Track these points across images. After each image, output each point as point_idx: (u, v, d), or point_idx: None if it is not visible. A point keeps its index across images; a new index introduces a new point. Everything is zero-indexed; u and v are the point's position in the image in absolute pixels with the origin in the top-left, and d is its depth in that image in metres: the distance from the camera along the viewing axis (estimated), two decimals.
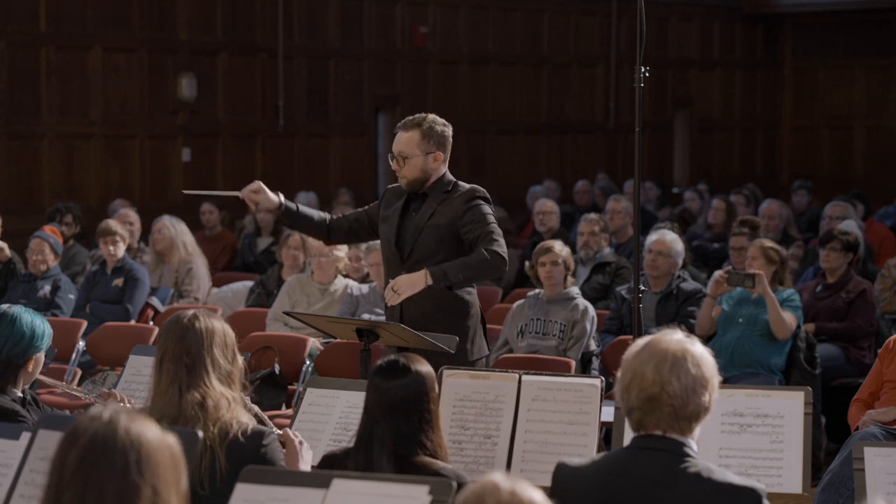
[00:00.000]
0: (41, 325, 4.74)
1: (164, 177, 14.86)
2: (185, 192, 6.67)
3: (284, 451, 4.20)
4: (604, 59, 18.77)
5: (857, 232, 9.21)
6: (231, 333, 4.15)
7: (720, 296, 7.85)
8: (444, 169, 5.86)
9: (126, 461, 2.63)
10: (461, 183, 5.88)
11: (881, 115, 20.15)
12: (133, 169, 14.64)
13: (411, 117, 5.85)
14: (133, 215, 11.09)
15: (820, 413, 7.72)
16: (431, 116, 5.84)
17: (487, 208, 5.80)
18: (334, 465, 4.01)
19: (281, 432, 4.24)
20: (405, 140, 5.79)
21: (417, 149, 5.77)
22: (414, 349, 5.25)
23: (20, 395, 4.72)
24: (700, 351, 3.48)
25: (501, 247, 5.69)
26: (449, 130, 5.85)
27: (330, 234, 6.13)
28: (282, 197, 5.97)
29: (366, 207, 6.15)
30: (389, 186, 6.06)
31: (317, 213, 6.12)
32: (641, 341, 3.50)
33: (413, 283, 5.64)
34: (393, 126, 17.72)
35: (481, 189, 5.86)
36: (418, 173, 5.80)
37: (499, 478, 2.69)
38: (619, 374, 3.51)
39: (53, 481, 2.67)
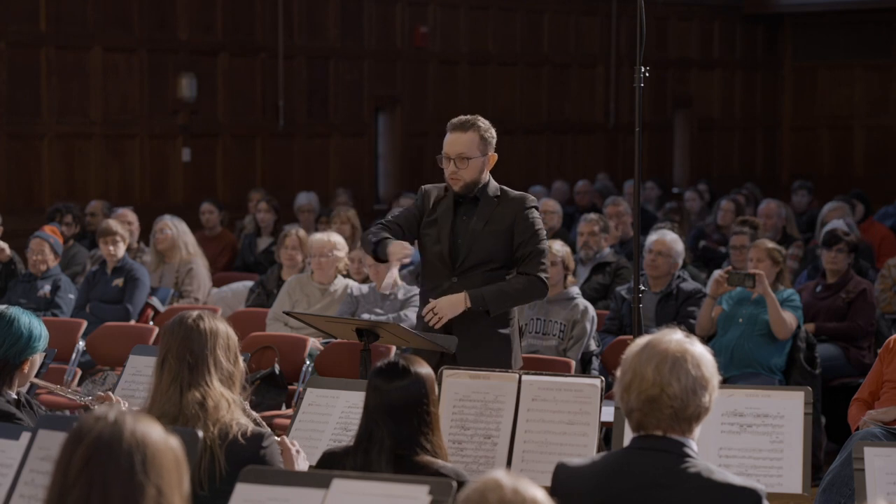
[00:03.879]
0: (38, 327, 4.75)
1: (164, 177, 14.86)
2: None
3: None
4: (604, 59, 18.77)
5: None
6: (234, 336, 4.16)
7: (720, 296, 7.85)
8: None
9: (131, 461, 2.64)
10: (507, 189, 5.86)
11: (881, 115, 20.15)
12: (133, 169, 14.64)
13: (464, 119, 5.78)
14: (131, 215, 11.09)
15: (820, 413, 7.72)
16: (481, 119, 5.80)
17: (540, 221, 5.79)
18: (334, 462, 4.01)
19: (278, 440, 4.23)
20: (465, 141, 5.72)
21: (478, 150, 5.72)
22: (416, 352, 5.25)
23: (15, 396, 4.72)
24: (699, 351, 3.47)
25: (545, 271, 5.69)
26: (495, 133, 5.83)
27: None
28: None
29: (409, 209, 5.94)
30: (425, 187, 5.92)
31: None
32: (641, 341, 3.49)
33: (454, 305, 5.55)
34: (393, 126, 17.69)
35: (533, 198, 5.85)
36: (477, 175, 5.74)
37: (501, 475, 2.69)
38: (618, 374, 3.50)
39: (58, 481, 2.67)
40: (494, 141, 5.81)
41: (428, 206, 5.85)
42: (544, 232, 5.80)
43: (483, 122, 5.78)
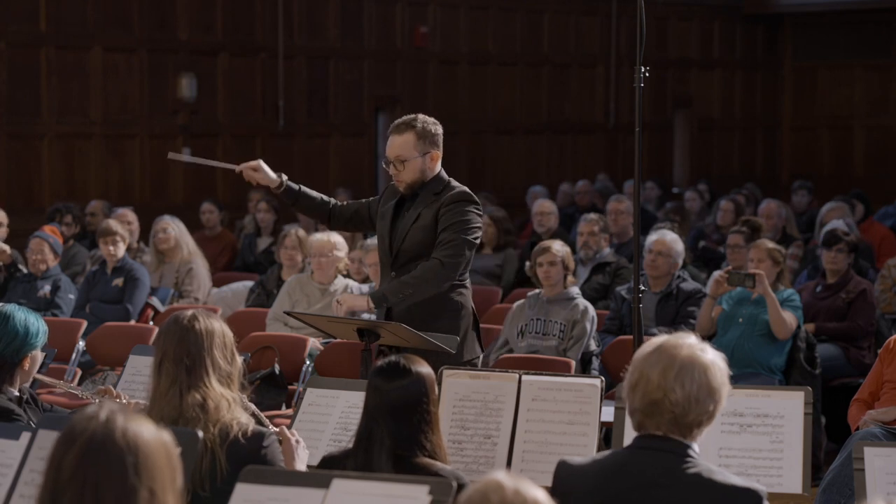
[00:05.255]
0: (35, 323, 4.72)
1: (164, 177, 14.86)
2: (171, 156, 6.36)
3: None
4: (604, 59, 18.77)
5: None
6: (230, 334, 4.14)
7: (720, 296, 7.85)
8: (439, 167, 5.80)
9: (123, 464, 2.63)
10: (455, 184, 5.79)
11: (881, 115, 20.15)
12: (133, 169, 14.64)
13: (401, 120, 5.76)
14: (131, 215, 11.09)
15: (820, 413, 7.72)
16: (422, 116, 5.76)
17: (469, 213, 5.68)
18: (333, 466, 4.01)
19: (278, 430, 4.23)
20: (401, 143, 5.70)
21: (414, 150, 5.68)
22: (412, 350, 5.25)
23: (17, 394, 4.71)
24: (710, 359, 3.46)
25: (452, 257, 5.61)
26: (440, 128, 5.78)
27: (331, 218, 6.07)
28: (284, 177, 5.91)
29: (368, 199, 6.11)
30: (390, 183, 5.97)
31: (319, 196, 6.02)
32: (655, 342, 3.50)
33: (356, 299, 5.75)
34: None
35: (469, 193, 5.76)
36: (417, 175, 5.71)
37: (502, 476, 2.69)
38: (628, 371, 3.51)
39: (50, 483, 2.66)
40: (438, 138, 5.75)
41: (383, 200, 5.93)
42: (471, 224, 5.68)
43: (421, 122, 5.72)
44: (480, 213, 5.78)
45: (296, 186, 5.97)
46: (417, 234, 5.71)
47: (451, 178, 5.83)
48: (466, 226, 5.67)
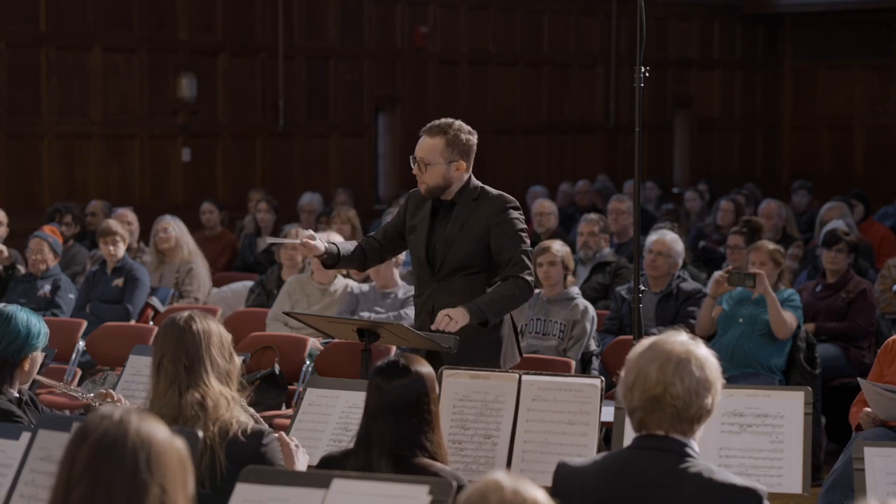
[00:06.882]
0: (37, 324, 4.72)
1: (164, 177, 14.86)
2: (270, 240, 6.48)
3: None
4: (604, 59, 18.77)
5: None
6: (227, 334, 4.16)
7: (720, 296, 7.85)
8: (468, 176, 5.72)
9: (136, 460, 2.65)
10: (488, 188, 5.75)
11: (881, 115, 20.15)
12: (133, 169, 14.64)
13: (438, 122, 5.70)
14: (131, 215, 11.10)
15: (820, 413, 7.72)
16: (458, 123, 5.69)
17: (519, 221, 5.67)
18: (333, 467, 4.00)
19: (277, 435, 4.23)
20: (428, 146, 5.65)
21: (440, 157, 5.63)
22: (419, 352, 5.25)
23: (16, 395, 4.71)
24: (704, 353, 3.48)
25: (531, 273, 5.62)
26: (474, 139, 5.71)
27: (367, 262, 5.99)
28: (324, 244, 5.77)
29: (391, 220, 6.00)
30: (411, 191, 5.91)
31: (352, 248, 5.90)
32: (647, 341, 3.51)
33: (464, 317, 5.45)
34: (393, 126, 17.70)
35: (511, 198, 5.73)
36: (439, 181, 5.66)
37: (501, 476, 2.69)
38: (622, 373, 3.51)
39: (63, 478, 2.68)
40: (469, 148, 5.68)
41: (409, 211, 5.84)
42: (524, 231, 5.70)
43: (455, 130, 5.65)
44: (521, 212, 5.76)
45: (335, 249, 5.80)
46: (465, 245, 5.65)
47: (482, 185, 5.76)
48: (522, 236, 5.65)
